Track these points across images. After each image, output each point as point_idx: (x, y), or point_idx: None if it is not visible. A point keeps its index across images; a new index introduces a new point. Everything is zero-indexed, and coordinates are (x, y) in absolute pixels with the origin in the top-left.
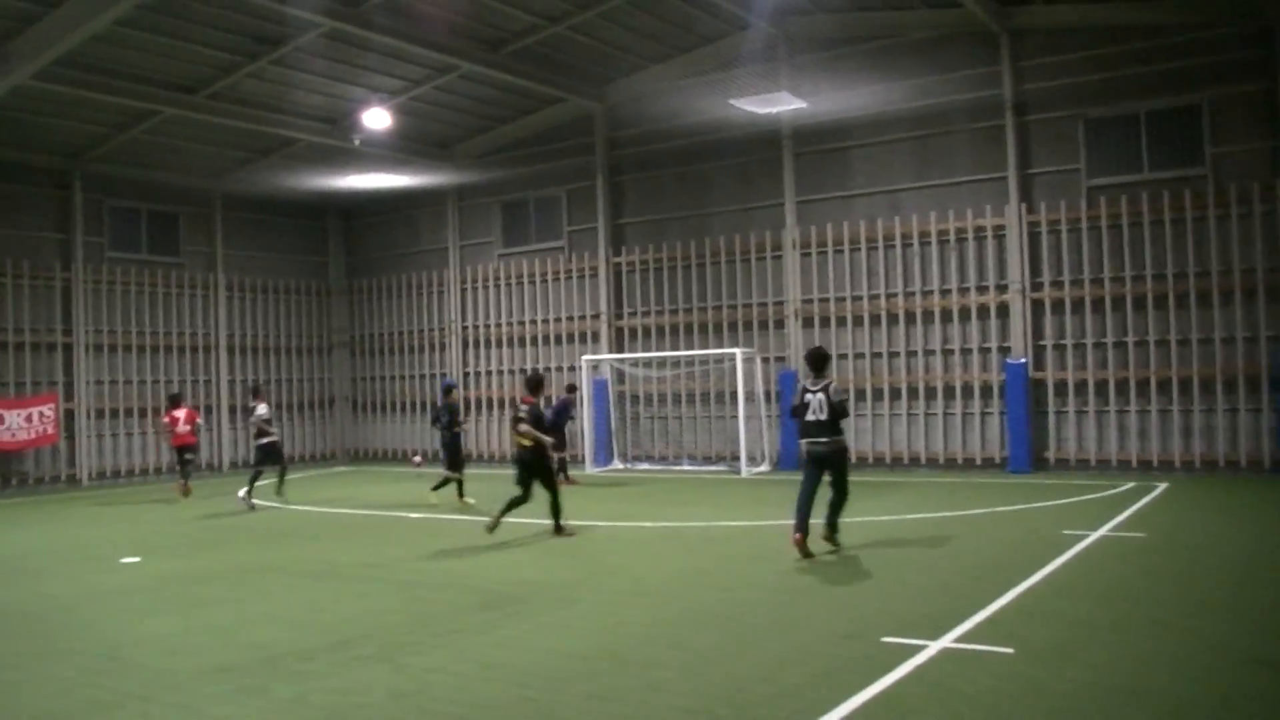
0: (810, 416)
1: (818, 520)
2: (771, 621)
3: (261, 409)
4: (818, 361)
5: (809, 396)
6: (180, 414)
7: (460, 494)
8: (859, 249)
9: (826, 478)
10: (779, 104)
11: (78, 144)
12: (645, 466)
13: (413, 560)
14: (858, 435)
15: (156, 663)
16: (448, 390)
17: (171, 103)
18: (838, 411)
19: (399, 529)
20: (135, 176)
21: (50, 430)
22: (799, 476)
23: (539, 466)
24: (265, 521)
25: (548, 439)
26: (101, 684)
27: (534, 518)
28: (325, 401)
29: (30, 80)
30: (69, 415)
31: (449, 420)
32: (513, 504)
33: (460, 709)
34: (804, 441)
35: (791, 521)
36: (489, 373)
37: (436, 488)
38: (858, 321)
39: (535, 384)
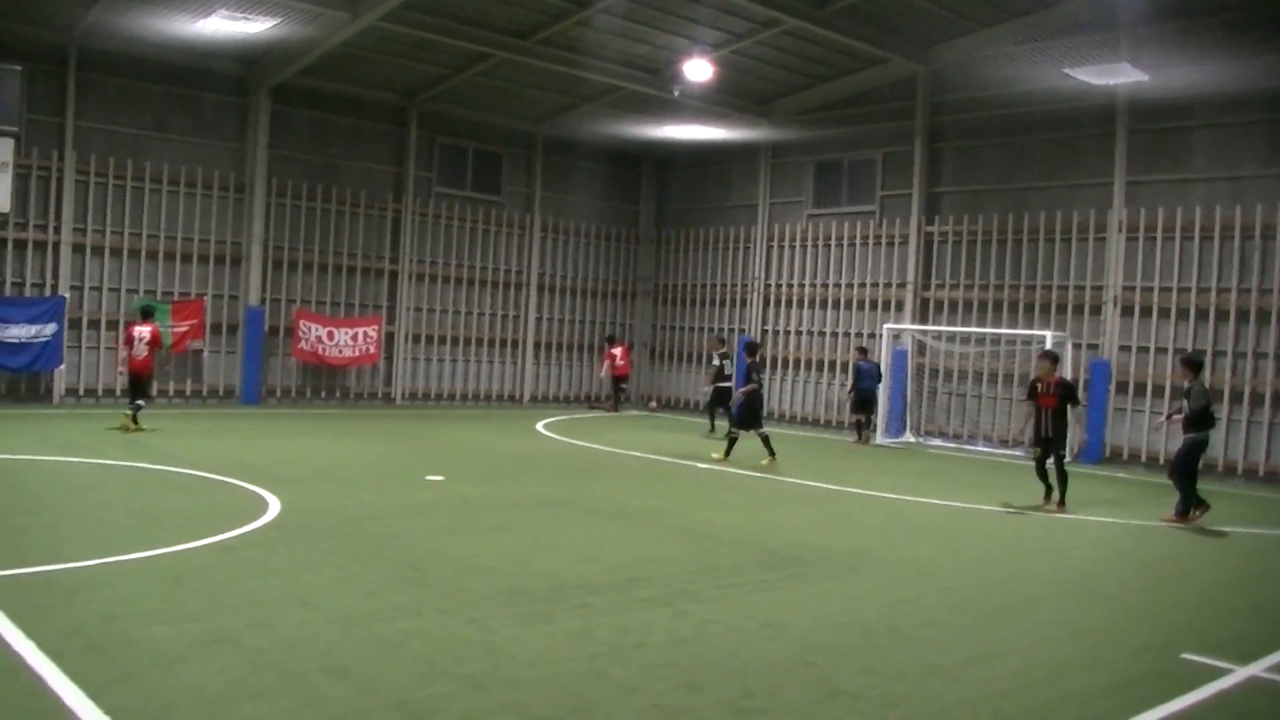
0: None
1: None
2: (1062, 621)
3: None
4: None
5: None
6: (617, 351)
7: (769, 452)
8: (1192, 237)
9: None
10: (1118, 75)
11: (416, 83)
12: (938, 443)
13: (698, 510)
14: (1168, 437)
15: (453, 579)
16: (753, 349)
17: (504, 46)
18: None
19: (686, 477)
20: (465, 116)
21: (372, 350)
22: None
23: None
24: (562, 457)
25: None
26: (405, 591)
27: (829, 482)
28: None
29: (378, 21)
30: (389, 338)
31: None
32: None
33: (738, 663)
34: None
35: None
36: (787, 332)
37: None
38: (1182, 315)
39: (1049, 357)
